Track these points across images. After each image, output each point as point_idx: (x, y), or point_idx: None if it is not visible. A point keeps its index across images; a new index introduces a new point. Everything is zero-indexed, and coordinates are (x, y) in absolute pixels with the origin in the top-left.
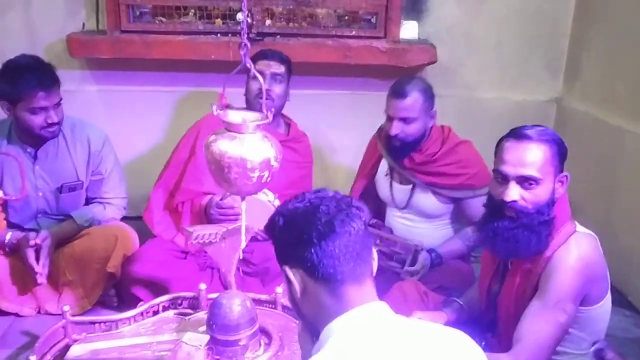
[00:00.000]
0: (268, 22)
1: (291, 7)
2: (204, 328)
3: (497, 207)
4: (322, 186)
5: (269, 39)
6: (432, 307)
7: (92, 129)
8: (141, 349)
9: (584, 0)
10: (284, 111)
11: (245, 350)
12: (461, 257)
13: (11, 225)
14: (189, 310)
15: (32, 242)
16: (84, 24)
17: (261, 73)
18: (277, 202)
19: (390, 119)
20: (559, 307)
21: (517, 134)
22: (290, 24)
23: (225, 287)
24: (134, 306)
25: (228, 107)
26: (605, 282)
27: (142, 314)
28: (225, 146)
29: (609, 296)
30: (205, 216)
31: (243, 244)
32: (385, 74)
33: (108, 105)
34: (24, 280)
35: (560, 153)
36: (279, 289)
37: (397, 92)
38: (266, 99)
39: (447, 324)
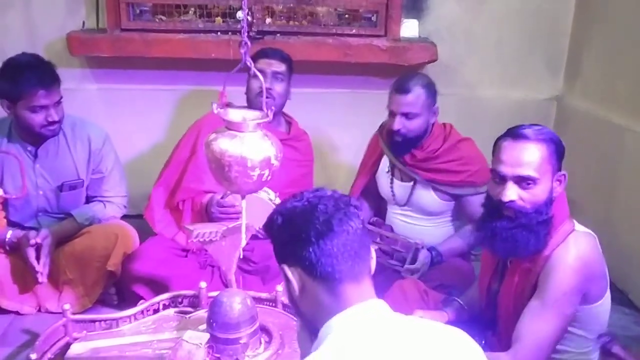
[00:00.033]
0: (268, 20)
1: (291, 5)
2: (204, 326)
3: (495, 207)
4: (323, 184)
5: (269, 37)
6: (432, 306)
7: (93, 128)
8: (141, 347)
9: None
10: (284, 110)
11: (245, 348)
12: (461, 255)
13: (11, 224)
14: (190, 309)
15: (32, 241)
16: (84, 22)
17: (262, 72)
18: (277, 201)
19: (392, 114)
20: (558, 306)
21: (514, 133)
22: (291, 22)
23: (226, 285)
24: (135, 304)
25: (228, 105)
26: (604, 280)
27: (142, 312)
28: (225, 145)
29: (608, 294)
30: (206, 214)
31: (243, 242)
32: (386, 72)
33: (108, 103)
34: (24, 278)
35: (558, 152)
36: (280, 287)
37: (400, 88)
38: (267, 97)
39: (448, 323)
